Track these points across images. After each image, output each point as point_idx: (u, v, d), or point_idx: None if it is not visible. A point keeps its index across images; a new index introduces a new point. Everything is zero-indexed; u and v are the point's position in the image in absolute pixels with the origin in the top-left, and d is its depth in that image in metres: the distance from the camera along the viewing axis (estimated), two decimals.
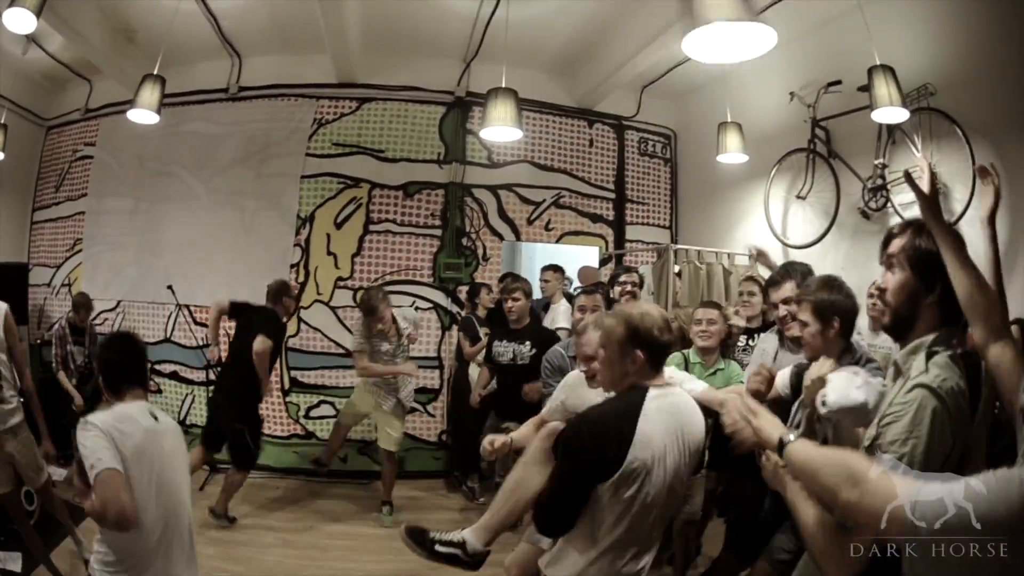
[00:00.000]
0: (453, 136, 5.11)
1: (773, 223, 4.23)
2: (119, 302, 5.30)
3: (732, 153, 4.13)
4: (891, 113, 3.11)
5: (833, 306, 1.92)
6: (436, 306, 5.04)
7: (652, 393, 1.59)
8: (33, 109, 5.82)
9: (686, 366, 2.81)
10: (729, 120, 4.16)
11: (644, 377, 1.63)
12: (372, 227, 5.00)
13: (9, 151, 5.02)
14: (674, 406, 1.63)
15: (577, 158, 5.39)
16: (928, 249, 1.33)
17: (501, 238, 5.20)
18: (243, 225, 5.07)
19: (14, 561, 3.41)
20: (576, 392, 2.18)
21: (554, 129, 5.33)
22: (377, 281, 4.94)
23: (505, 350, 3.68)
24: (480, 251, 5.11)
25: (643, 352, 1.61)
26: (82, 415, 4.72)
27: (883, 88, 3.09)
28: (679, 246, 4.34)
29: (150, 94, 3.89)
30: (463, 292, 4.94)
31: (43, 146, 6.01)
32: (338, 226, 5.00)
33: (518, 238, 5.30)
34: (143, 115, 3.90)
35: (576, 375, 2.28)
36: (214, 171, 5.19)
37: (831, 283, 1.99)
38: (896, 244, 1.40)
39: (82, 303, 4.74)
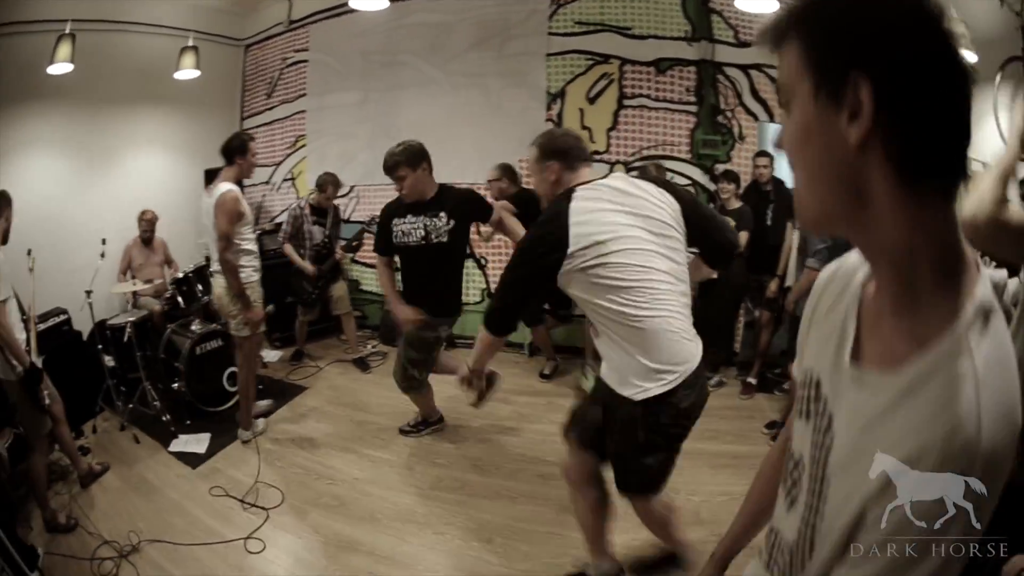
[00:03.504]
0: (698, 15, 4.87)
1: (1004, 131, 3.87)
2: (352, 187, 5.10)
3: None
4: None
5: None
6: (694, 182, 4.71)
7: (578, 192, 1.68)
8: (226, 33, 5.88)
9: None
10: None
11: (567, 182, 1.76)
12: (626, 102, 4.74)
13: (206, 72, 5.13)
14: (612, 188, 1.70)
15: None
16: None
17: (756, 118, 4.87)
18: (488, 104, 4.87)
19: (199, 443, 3.43)
20: None
21: None
22: (634, 156, 4.67)
23: (411, 227, 3.02)
24: (736, 130, 4.79)
25: (557, 162, 1.77)
26: (318, 280, 4.45)
27: None
28: None
29: None
30: (720, 170, 4.60)
31: (244, 63, 6.03)
32: (591, 101, 4.76)
33: (772, 119, 4.97)
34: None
35: None
36: (449, 56, 5.03)
37: None
38: None
39: (328, 180, 4.55)
